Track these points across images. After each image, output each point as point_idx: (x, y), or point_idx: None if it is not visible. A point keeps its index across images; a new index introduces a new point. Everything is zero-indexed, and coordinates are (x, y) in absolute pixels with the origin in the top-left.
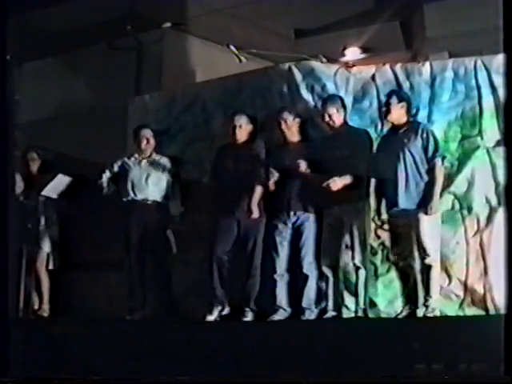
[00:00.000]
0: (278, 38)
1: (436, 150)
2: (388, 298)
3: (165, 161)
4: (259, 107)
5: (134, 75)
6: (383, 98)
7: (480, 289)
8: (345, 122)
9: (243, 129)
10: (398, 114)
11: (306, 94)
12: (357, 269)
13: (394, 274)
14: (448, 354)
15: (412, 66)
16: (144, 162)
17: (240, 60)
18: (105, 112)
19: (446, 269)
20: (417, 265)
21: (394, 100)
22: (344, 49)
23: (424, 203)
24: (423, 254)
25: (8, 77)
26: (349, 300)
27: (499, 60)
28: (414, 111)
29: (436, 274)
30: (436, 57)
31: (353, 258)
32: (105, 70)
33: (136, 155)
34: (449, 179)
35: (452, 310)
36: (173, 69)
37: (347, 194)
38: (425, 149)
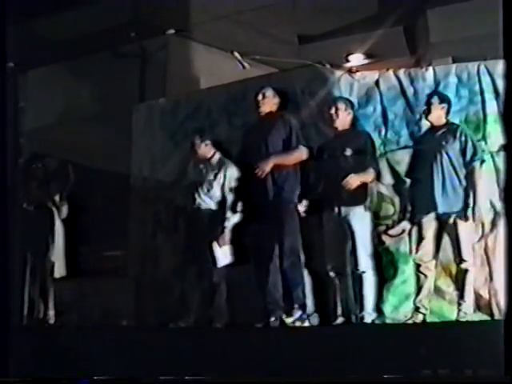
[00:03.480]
0: (282, 44)
1: (475, 153)
2: (393, 304)
3: (222, 164)
4: None
5: (138, 82)
6: (387, 104)
7: (485, 294)
8: (349, 126)
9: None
10: (437, 115)
11: (309, 100)
12: (361, 274)
13: (399, 279)
14: (454, 359)
15: (416, 72)
16: (199, 168)
17: (244, 66)
18: (109, 119)
19: (450, 274)
20: (436, 268)
21: (435, 100)
22: (348, 55)
23: (462, 209)
24: (460, 259)
25: (11, 84)
26: (355, 306)
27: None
28: (417, 117)
29: (471, 279)
30: (439, 62)
31: (357, 263)
32: (109, 77)
33: (192, 162)
34: None
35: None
36: (177, 75)
37: (352, 195)
38: (463, 152)
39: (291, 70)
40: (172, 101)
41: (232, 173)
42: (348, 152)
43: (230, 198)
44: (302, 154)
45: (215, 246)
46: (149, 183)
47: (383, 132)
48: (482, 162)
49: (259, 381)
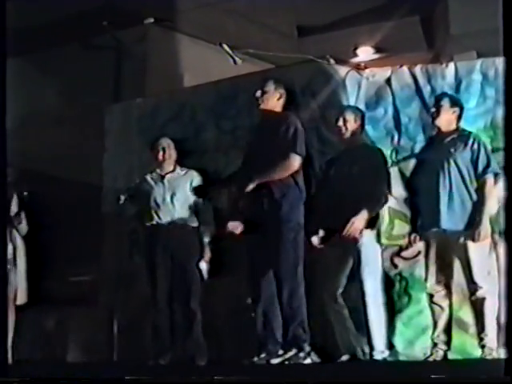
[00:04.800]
0: (279, 37)
1: (488, 164)
2: (407, 338)
3: (192, 175)
4: (258, 115)
5: (111, 79)
6: (400, 105)
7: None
8: (359, 141)
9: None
10: (447, 120)
11: (311, 101)
12: (370, 304)
13: (413, 309)
14: None
15: (434, 68)
16: (167, 178)
17: (235, 61)
18: (78, 122)
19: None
20: (457, 297)
21: (445, 103)
22: (355, 48)
23: (472, 227)
24: (473, 285)
25: None
26: (363, 340)
27: None
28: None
29: (491, 308)
30: (462, 57)
31: (364, 290)
32: (78, 74)
33: (158, 170)
34: None
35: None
36: (157, 72)
37: None
38: (475, 162)
39: (289, 66)
40: (151, 101)
41: (197, 182)
42: (356, 171)
43: (203, 209)
44: (292, 163)
45: (202, 264)
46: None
47: (396, 138)
48: (496, 174)
49: (259, 381)
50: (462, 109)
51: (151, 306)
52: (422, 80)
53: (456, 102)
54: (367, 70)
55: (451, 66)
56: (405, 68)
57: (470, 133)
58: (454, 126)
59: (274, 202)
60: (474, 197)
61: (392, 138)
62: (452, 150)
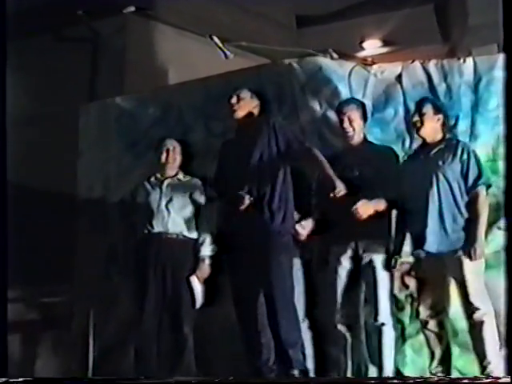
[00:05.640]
0: (276, 28)
1: (479, 176)
2: (419, 367)
3: (194, 183)
4: None
5: (87, 75)
6: (412, 106)
7: None
8: (364, 139)
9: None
10: (432, 129)
11: (311, 100)
12: (380, 327)
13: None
14: None
15: (450, 64)
16: (166, 183)
17: (226, 56)
18: (50, 123)
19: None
20: (453, 322)
21: (428, 110)
22: (361, 41)
23: (466, 245)
24: (470, 308)
25: None
26: (371, 369)
27: None
28: (452, 122)
29: (491, 332)
30: (482, 51)
31: (376, 313)
32: (49, 69)
33: (158, 175)
34: (498, 210)
35: None
36: (138, 67)
37: (368, 226)
38: (465, 174)
39: (287, 60)
40: (132, 100)
41: (200, 192)
42: (368, 172)
43: (204, 221)
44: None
45: (194, 280)
46: (101, 207)
47: (407, 141)
48: (489, 186)
49: (259, 381)
50: (446, 116)
51: (136, 328)
52: (436, 77)
53: (439, 108)
54: (375, 66)
55: (469, 61)
56: (417, 63)
57: (457, 141)
58: (439, 136)
59: (265, 211)
60: (465, 212)
61: (403, 143)
62: (440, 162)
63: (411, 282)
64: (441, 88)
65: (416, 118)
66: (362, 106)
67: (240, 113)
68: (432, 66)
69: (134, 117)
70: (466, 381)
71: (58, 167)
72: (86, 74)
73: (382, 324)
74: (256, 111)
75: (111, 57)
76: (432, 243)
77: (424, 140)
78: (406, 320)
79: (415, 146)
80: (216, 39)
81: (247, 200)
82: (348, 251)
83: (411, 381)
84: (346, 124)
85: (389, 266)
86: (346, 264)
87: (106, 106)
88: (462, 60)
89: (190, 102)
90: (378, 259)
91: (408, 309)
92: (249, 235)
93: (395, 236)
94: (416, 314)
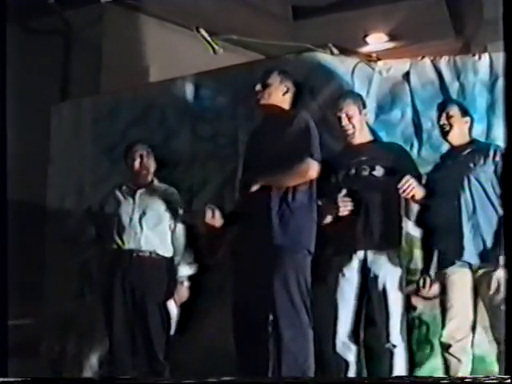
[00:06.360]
0: (270, 20)
1: None
2: None
3: (172, 193)
4: (243, 118)
5: (59, 71)
6: (421, 107)
7: None
8: (370, 136)
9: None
10: (461, 132)
11: (309, 99)
12: (391, 350)
13: (437, 361)
14: None
15: (464, 61)
16: (139, 193)
17: (214, 50)
18: (17, 123)
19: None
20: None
21: (456, 112)
22: (365, 35)
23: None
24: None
25: None
26: None
27: None
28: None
29: None
30: (499, 46)
31: (388, 334)
32: (17, 64)
33: (130, 184)
34: None
35: None
36: (117, 62)
37: (382, 233)
38: (499, 175)
39: (283, 56)
40: (109, 99)
41: (176, 203)
42: (379, 172)
43: (181, 238)
44: (307, 170)
45: (171, 305)
46: (74, 218)
47: (415, 147)
48: None
49: (259, 381)
50: (472, 117)
51: (106, 357)
52: (448, 75)
53: (466, 110)
54: (380, 63)
55: (485, 57)
56: (427, 60)
57: (489, 144)
58: (467, 138)
59: (278, 222)
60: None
61: (411, 148)
62: (471, 164)
63: (419, 303)
64: (453, 87)
65: (443, 121)
66: (361, 97)
67: (266, 102)
68: (443, 62)
69: (112, 118)
70: (467, 380)
71: (26, 174)
72: (57, 70)
73: (394, 346)
74: (287, 98)
75: (86, 51)
76: (469, 254)
77: (451, 145)
78: (414, 345)
79: (424, 152)
80: (203, 32)
81: (209, 214)
82: (354, 263)
83: (412, 381)
84: (345, 122)
85: (401, 284)
86: (350, 276)
87: (81, 105)
88: (476, 56)
89: (174, 102)
90: (391, 273)
91: (417, 332)
92: (256, 246)
93: (422, 250)
94: (426, 338)
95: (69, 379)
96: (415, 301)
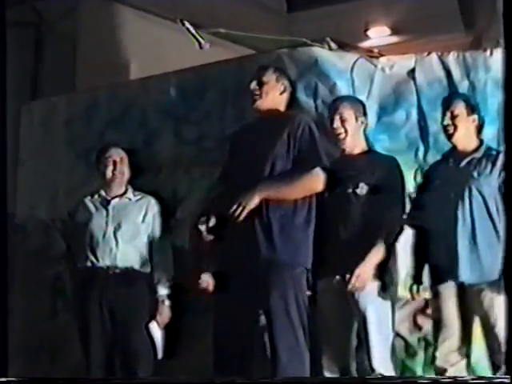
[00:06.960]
0: (262, 12)
1: None
2: None
3: (149, 203)
4: (232, 119)
5: (30, 67)
6: (427, 107)
7: None
8: (364, 147)
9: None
10: (466, 132)
11: (305, 99)
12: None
13: None
14: None
15: (474, 57)
16: (113, 203)
17: (201, 45)
18: None
19: None
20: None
21: (461, 110)
22: (366, 29)
23: (500, 277)
24: (500, 357)
25: None
26: None
27: None
28: None
29: None
30: None
31: (372, 361)
32: None
33: (102, 193)
34: None
35: None
36: (93, 58)
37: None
38: None
39: (275, 51)
40: (85, 98)
41: (154, 212)
42: (362, 190)
43: (160, 251)
44: (315, 181)
45: (154, 327)
46: (46, 228)
47: (421, 152)
48: None
49: (259, 381)
50: (480, 116)
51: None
52: (457, 72)
53: (473, 107)
54: (383, 59)
55: (497, 53)
56: (434, 56)
57: (498, 152)
58: (474, 141)
59: (272, 238)
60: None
61: (416, 152)
62: (475, 173)
63: (425, 323)
64: (463, 86)
65: (447, 122)
66: (362, 105)
67: (262, 102)
68: (452, 58)
69: (87, 118)
70: (468, 380)
71: None
72: (28, 67)
73: (380, 375)
74: (284, 98)
75: (59, 45)
76: (465, 273)
77: (455, 147)
78: (419, 369)
79: (431, 157)
80: (188, 25)
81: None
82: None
83: (411, 381)
84: (337, 124)
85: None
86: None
87: (53, 105)
88: (488, 52)
89: (156, 101)
90: (372, 298)
91: (421, 355)
92: (250, 262)
93: (413, 259)
94: (432, 362)
95: (69, 379)
96: (421, 321)
